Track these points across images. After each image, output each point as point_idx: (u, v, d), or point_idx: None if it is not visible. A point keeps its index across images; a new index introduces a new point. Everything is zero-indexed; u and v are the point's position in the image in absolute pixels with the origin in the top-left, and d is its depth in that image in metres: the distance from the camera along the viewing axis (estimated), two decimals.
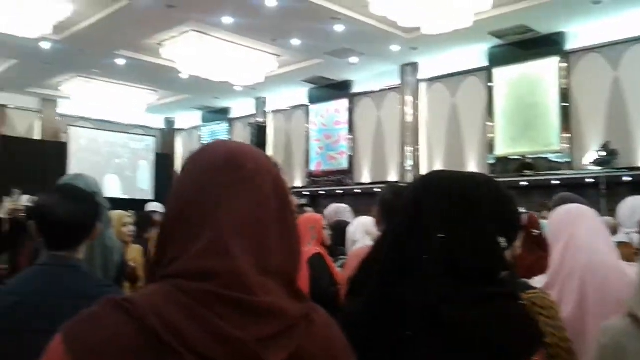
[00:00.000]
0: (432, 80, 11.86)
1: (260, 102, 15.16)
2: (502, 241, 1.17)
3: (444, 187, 1.20)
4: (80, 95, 14.15)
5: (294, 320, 0.77)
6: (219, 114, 16.73)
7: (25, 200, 4.14)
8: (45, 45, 10.91)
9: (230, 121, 16.54)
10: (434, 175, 1.28)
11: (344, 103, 13.43)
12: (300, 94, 14.09)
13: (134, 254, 4.07)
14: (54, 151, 16.00)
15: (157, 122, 18.34)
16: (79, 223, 1.77)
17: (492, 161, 10.68)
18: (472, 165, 10.92)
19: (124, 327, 0.72)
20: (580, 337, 1.63)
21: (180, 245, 0.79)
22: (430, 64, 11.63)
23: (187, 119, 17.80)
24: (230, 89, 13.49)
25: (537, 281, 1.87)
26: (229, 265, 0.76)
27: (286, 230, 0.85)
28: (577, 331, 1.65)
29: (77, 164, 16.14)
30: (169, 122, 18.55)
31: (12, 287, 1.77)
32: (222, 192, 0.81)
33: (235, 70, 11.48)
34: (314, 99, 14.04)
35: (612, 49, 9.38)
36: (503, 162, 10.49)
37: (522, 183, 9.78)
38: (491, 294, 1.10)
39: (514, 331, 1.08)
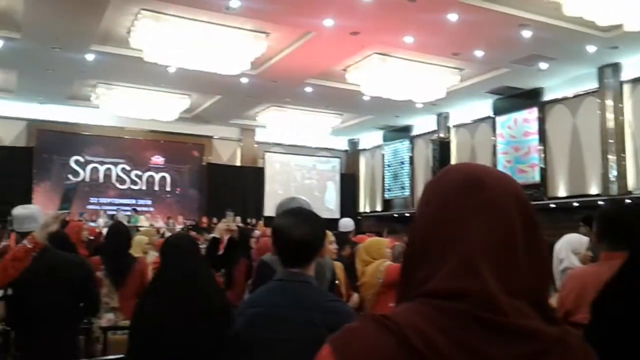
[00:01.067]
0: (637, 80, 10.66)
1: (442, 118, 15.00)
2: None
3: None
4: (274, 123, 15.40)
5: (550, 343, 0.77)
6: (400, 132, 16.89)
7: (237, 220, 4.60)
8: (244, 80, 12.08)
9: (412, 138, 16.60)
10: None
11: (533, 112, 12.67)
12: (484, 106, 13.66)
13: (337, 271, 4.28)
14: (252, 175, 17.60)
15: (341, 143, 19.12)
16: (311, 243, 1.93)
17: None
18: None
19: (386, 343, 0.76)
20: None
21: (429, 266, 0.82)
22: (635, 63, 10.47)
23: (370, 139, 18.27)
24: (411, 106, 13.57)
25: None
26: (480, 286, 0.78)
27: (533, 250, 0.84)
28: None
29: (271, 186, 17.52)
30: (353, 143, 19.22)
31: (254, 300, 1.98)
32: (467, 213, 0.83)
33: (416, 88, 11.55)
34: (499, 111, 13.48)
35: None
36: None
37: None
38: None
39: None
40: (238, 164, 17.77)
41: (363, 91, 11.81)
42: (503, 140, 13.47)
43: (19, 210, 3.16)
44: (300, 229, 1.90)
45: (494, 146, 13.65)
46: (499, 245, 0.82)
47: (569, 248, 3.73)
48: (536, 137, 12.59)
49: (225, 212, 4.33)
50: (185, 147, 17.14)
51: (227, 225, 4.05)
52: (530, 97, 12.63)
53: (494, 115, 13.63)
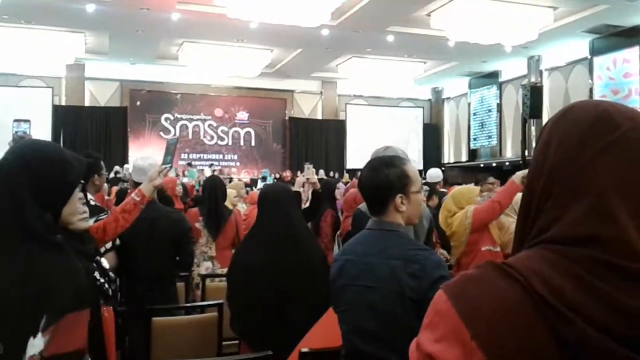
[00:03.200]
0: None
1: (533, 61, 14.18)
2: None
3: None
4: (355, 75, 15.21)
5: None
6: (488, 78, 16.19)
7: (318, 173, 4.61)
8: (325, 32, 11.95)
9: (500, 85, 15.87)
10: None
11: (635, 51, 11.69)
12: (580, 47, 12.75)
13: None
14: (334, 128, 17.64)
15: (425, 93, 18.65)
16: (376, 188, 1.90)
17: None
18: None
19: (508, 290, 0.72)
20: None
21: (553, 211, 0.77)
22: None
23: (454, 87, 17.68)
24: (499, 50, 12.91)
25: None
26: (615, 231, 0.71)
27: None
28: None
29: (353, 139, 17.51)
30: (436, 92, 18.70)
31: (345, 249, 2.00)
32: (597, 152, 0.76)
33: (505, 30, 10.93)
34: (597, 51, 12.54)
35: None
36: None
37: None
38: None
39: None
40: (320, 117, 17.84)
41: (448, 36, 11.34)
42: (601, 83, 12.58)
43: (138, 162, 3.45)
44: (376, 174, 1.88)
45: (591, 90, 12.78)
46: (633, 186, 0.75)
47: None
48: (638, 78, 11.65)
49: (304, 165, 4.35)
50: (268, 102, 17.41)
51: (306, 178, 4.06)
52: (631, 35, 11.63)
53: (590, 57, 12.71)
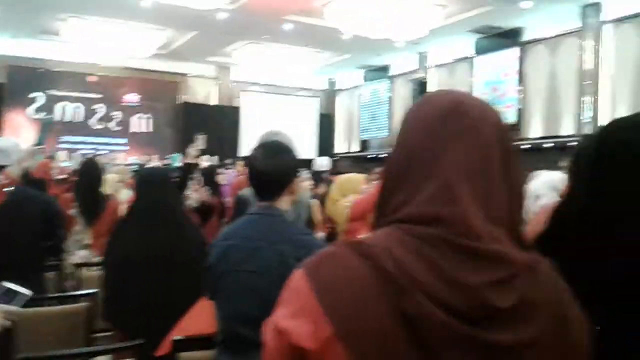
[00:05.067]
0: (618, 21, 10.57)
1: (423, 57, 14.82)
2: None
3: (625, 137, 1.13)
4: (252, 62, 15.06)
5: (519, 268, 0.77)
6: (380, 71, 16.70)
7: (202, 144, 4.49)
8: (221, 16, 11.70)
9: (392, 78, 16.44)
10: (614, 124, 1.21)
11: (514, 52, 12.58)
12: (466, 45, 13.49)
13: (314, 209, 4.31)
14: (229, 115, 17.39)
15: (321, 83, 18.89)
16: (277, 173, 1.91)
17: None
18: None
19: (359, 266, 0.76)
20: None
21: (405, 192, 0.82)
22: (617, 3, 10.36)
23: (350, 79, 18.06)
24: (392, 45, 13.33)
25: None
26: (457, 211, 0.78)
27: (510, 180, 0.84)
28: None
29: (248, 126, 17.38)
30: (332, 83, 19.01)
31: (227, 233, 1.99)
32: (448, 139, 0.82)
33: (398, 25, 11.29)
34: (480, 50, 13.35)
35: None
36: None
37: None
38: None
39: None
40: (214, 103, 17.51)
41: (341, 29, 11.53)
42: (482, 81, 13.43)
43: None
44: (268, 159, 1.89)
45: (471, 87, 13.61)
46: (477, 171, 0.81)
47: (551, 186, 3.79)
48: (515, 77, 12.57)
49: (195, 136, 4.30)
50: (159, 85, 16.75)
51: (196, 150, 4.02)
52: (511, 37, 12.50)
53: (475, 55, 13.52)
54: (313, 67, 15.96)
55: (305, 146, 17.48)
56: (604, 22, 10.70)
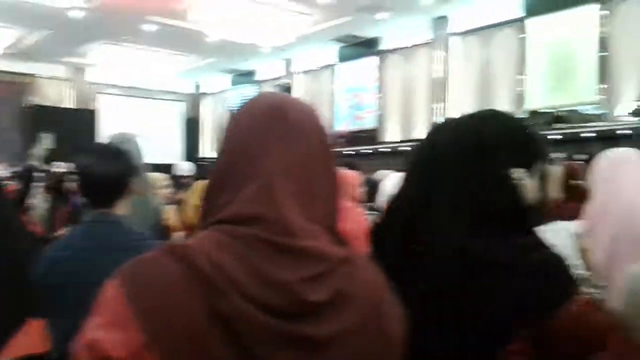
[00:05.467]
0: (464, 33, 11.54)
1: (289, 63, 15.06)
2: (518, 172, 1.16)
3: (451, 128, 1.26)
4: (110, 63, 14.32)
5: (334, 263, 0.80)
6: (248, 76, 16.68)
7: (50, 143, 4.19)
8: (76, 14, 10.97)
9: (258, 84, 16.50)
10: (445, 121, 1.36)
11: (373, 61, 13.22)
12: (329, 53, 13.92)
13: (171, 214, 4.20)
14: (85, 119, 16.28)
15: (188, 87, 18.43)
16: (112, 180, 1.84)
17: (523, 115, 10.43)
18: None
19: (174, 270, 0.76)
20: (610, 283, 1.62)
21: (228, 193, 0.83)
22: (463, 17, 11.27)
23: (217, 82, 17.82)
24: (259, 51, 13.38)
25: (575, 226, 1.83)
26: (275, 210, 0.79)
27: (330, 181, 0.88)
28: (606, 276, 1.64)
29: (107, 131, 16.44)
30: (197, 87, 18.65)
31: (58, 244, 1.87)
32: (270, 140, 0.84)
33: (264, 32, 11.36)
34: (343, 58, 13.86)
35: None
36: (534, 116, 10.23)
37: (554, 136, 9.54)
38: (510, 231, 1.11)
39: (547, 277, 1.07)
40: (69, 105, 16.34)
41: (206, 32, 11.36)
42: (344, 88, 13.94)
43: None
44: (100, 166, 1.81)
45: (333, 93, 14.10)
46: (298, 171, 0.83)
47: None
48: (375, 84, 13.21)
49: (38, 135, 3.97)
50: (4, 86, 15.29)
51: (44, 150, 3.74)
52: (370, 46, 13.13)
53: (338, 63, 14.00)
54: (177, 70, 15.52)
55: (169, 151, 16.94)
56: (452, 34, 11.63)
